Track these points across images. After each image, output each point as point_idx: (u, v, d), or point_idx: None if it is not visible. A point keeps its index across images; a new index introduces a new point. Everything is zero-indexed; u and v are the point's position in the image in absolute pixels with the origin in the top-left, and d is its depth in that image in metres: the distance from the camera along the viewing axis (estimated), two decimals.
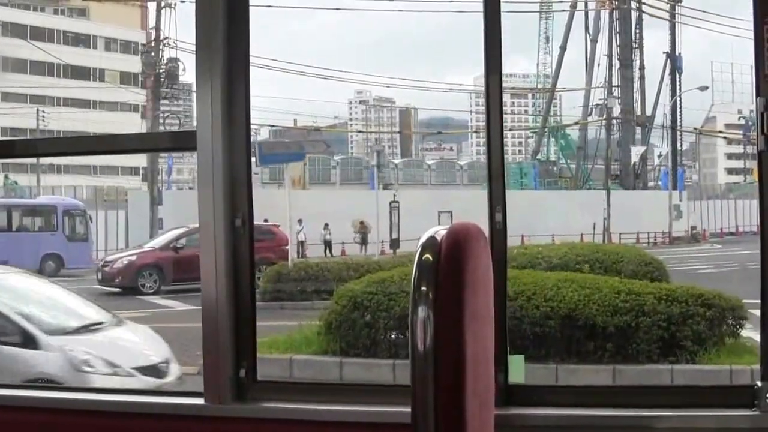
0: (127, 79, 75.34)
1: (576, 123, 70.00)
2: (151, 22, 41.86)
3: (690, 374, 11.28)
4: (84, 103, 72.57)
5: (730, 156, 66.87)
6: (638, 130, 65.71)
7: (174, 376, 10.16)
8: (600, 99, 68.88)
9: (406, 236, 44.51)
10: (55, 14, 79.57)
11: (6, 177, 55.29)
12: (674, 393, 3.33)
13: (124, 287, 27.45)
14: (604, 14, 68.46)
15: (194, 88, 3.29)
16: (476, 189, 60.92)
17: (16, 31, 77.57)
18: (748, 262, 18.66)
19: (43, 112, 67.51)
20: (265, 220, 32.34)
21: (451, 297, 1.96)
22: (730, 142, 65.29)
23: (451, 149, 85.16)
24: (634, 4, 64.87)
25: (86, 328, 10.33)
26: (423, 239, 2.03)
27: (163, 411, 3.46)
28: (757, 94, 2.70)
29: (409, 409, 1.97)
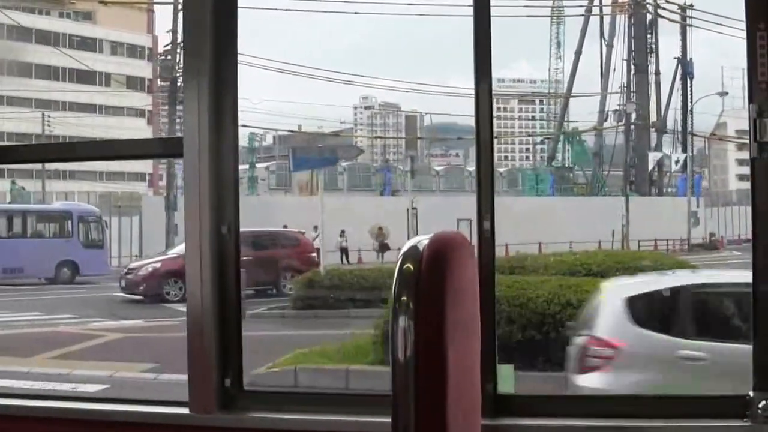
0: (133, 83, 75.47)
1: (594, 129, 69.85)
2: (167, 26, 41.47)
3: None
4: (89, 108, 72.71)
5: (741, 162, 66.78)
6: (652, 136, 65.68)
7: None
8: (617, 104, 68.81)
9: None
10: (61, 17, 79.74)
11: (13, 183, 55.36)
12: (667, 402, 3.30)
13: (148, 295, 27.24)
14: (620, 19, 68.44)
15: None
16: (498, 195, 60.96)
17: (22, 34, 77.75)
18: None
19: (49, 116, 67.67)
20: (284, 227, 32.29)
21: (432, 307, 1.94)
22: (740, 147, 65.21)
23: (457, 155, 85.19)
24: (650, 9, 64.86)
25: None
26: (404, 249, 2.02)
27: (148, 420, 3.45)
28: (750, 101, 2.67)
29: None
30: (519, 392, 3.43)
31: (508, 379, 3.33)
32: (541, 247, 44.20)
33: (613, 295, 10.21)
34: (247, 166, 61.90)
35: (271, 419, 3.36)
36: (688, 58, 65.34)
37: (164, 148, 3.63)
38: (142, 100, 75.41)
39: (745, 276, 3.14)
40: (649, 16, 64.93)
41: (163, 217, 41.77)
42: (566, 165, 68.59)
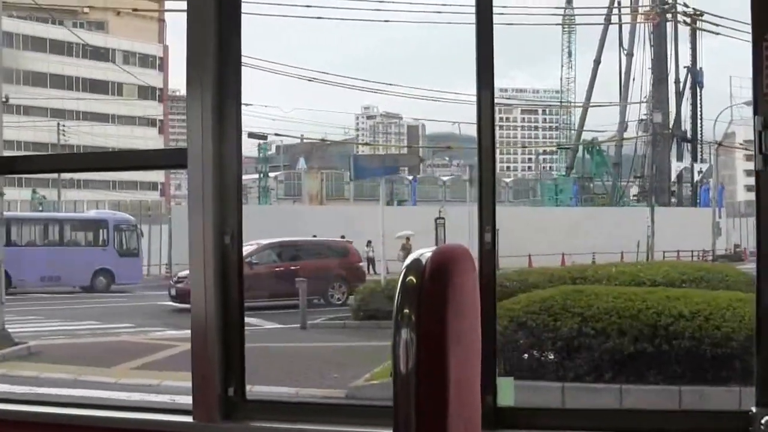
0: (144, 93, 75.69)
1: (622, 139, 69.73)
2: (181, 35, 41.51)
3: None
4: (102, 117, 73.00)
5: (750, 173, 66.52)
6: (673, 146, 65.52)
7: None
8: (638, 114, 68.62)
9: None
10: (74, 27, 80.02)
11: (34, 192, 55.47)
12: (670, 417, 3.29)
13: None
14: (640, 28, 68.29)
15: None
16: (504, 206, 61.02)
17: (36, 44, 78.03)
18: None
19: (63, 126, 67.90)
20: (342, 236, 32.08)
21: (435, 319, 1.96)
22: (749, 158, 64.84)
23: (458, 165, 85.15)
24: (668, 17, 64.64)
25: None
26: (407, 261, 2.03)
27: (152, 428, 3.46)
28: (755, 113, 2.67)
29: None
30: (519, 404, 3.43)
31: (507, 391, 3.32)
32: (564, 259, 44.38)
33: None
34: (256, 176, 62.20)
35: (273, 429, 3.38)
36: (698, 68, 65.35)
37: (168, 159, 3.65)
38: (153, 109, 75.71)
39: None
40: (668, 25, 64.88)
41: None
42: (585, 175, 68.49)
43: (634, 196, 67.77)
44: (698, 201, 66.26)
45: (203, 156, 3.24)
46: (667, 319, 11.73)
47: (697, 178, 68.72)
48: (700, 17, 62.75)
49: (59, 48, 79.12)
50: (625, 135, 70.74)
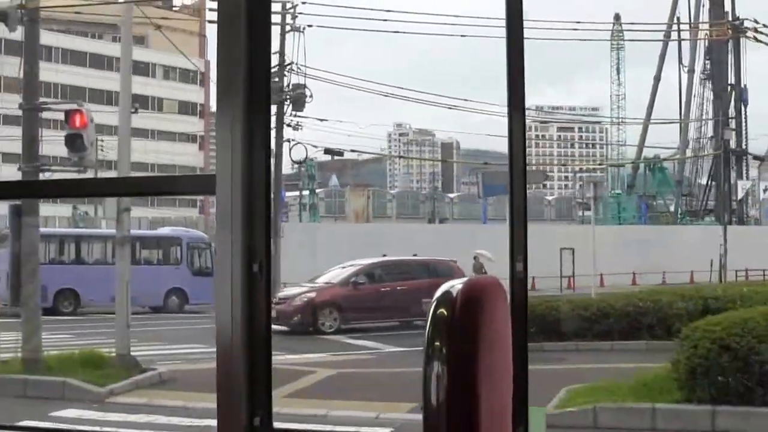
0: (184, 108, 76.07)
1: (686, 157, 69.30)
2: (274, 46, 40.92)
3: None
4: (142, 133, 73.39)
5: None
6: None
7: None
8: (697, 131, 68.07)
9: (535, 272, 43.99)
10: (114, 42, 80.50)
11: (74, 208, 55.68)
12: None
13: (302, 326, 26.96)
14: (700, 44, 67.80)
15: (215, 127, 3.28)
16: (564, 224, 60.89)
17: (76, 58, 78.69)
18: None
19: (101, 141, 68.29)
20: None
21: (466, 353, 1.99)
22: None
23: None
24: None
25: None
26: (438, 294, 2.06)
27: None
28: None
29: None
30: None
31: (539, 422, 3.32)
32: (635, 278, 44.33)
33: None
34: (295, 193, 62.30)
35: None
36: (743, 85, 64.96)
37: (197, 186, 3.66)
38: (193, 125, 76.08)
39: None
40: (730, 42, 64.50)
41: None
42: (647, 193, 68.25)
43: (707, 213, 67.46)
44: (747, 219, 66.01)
45: (232, 182, 3.26)
46: None
47: (764, 196, 68.32)
48: (743, 32, 62.47)
49: (99, 62, 79.77)
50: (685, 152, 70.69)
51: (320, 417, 13.93)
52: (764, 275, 41.30)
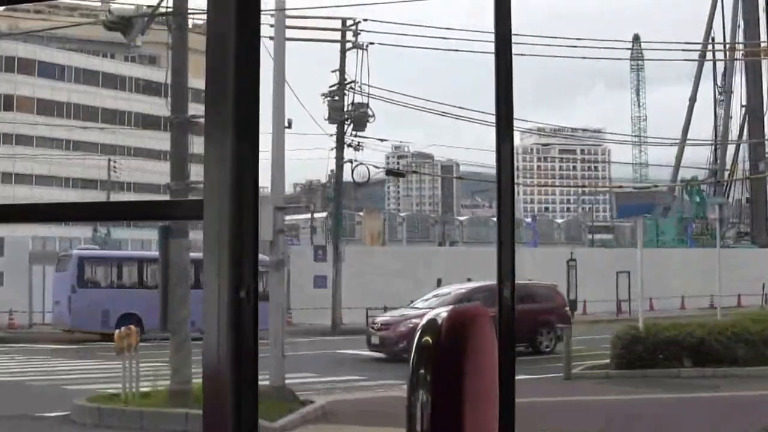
0: (198, 129, 76.45)
1: (729, 180, 69.24)
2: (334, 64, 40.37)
3: None
4: (155, 154, 73.63)
5: None
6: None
7: None
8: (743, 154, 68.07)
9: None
10: (126, 61, 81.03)
11: (95, 230, 55.77)
12: None
13: (405, 352, 26.45)
14: (736, 65, 67.85)
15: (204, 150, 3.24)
16: (580, 246, 61.05)
17: (88, 77, 79.18)
18: None
19: (114, 162, 68.56)
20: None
21: (451, 381, 1.98)
22: None
23: (490, 206, 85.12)
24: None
25: None
26: (423, 322, 2.05)
27: None
28: None
29: None
30: None
31: None
32: (684, 302, 44.39)
33: None
34: (305, 216, 62.34)
35: None
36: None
37: (185, 211, 3.62)
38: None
39: None
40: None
41: (310, 266, 41.31)
42: (684, 216, 68.37)
43: (742, 236, 67.41)
44: None
45: (220, 207, 3.23)
46: None
47: None
48: None
49: (112, 81, 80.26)
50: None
51: None
52: None
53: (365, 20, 39.01)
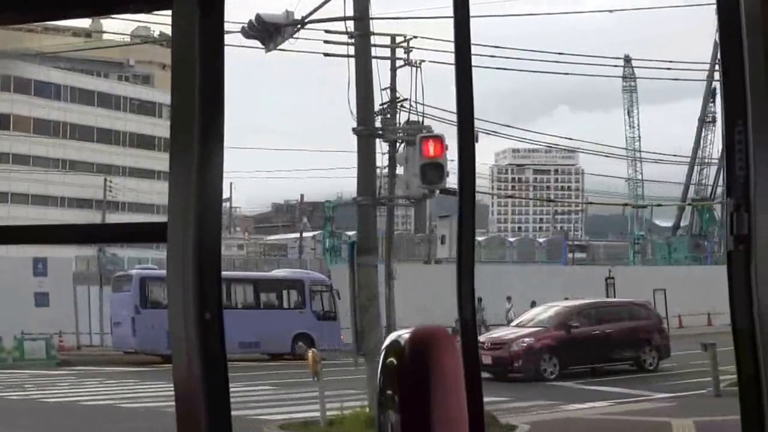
0: None
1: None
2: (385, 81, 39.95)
3: None
4: (149, 174, 73.26)
5: None
6: None
7: None
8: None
9: None
10: (120, 81, 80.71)
11: (100, 251, 55.34)
12: None
13: (522, 372, 26.61)
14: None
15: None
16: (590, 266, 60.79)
17: (84, 96, 79.01)
18: None
19: (110, 182, 68.29)
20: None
21: (418, 400, 2.03)
22: None
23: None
24: None
25: None
26: (386, 343, 2.13)
27: None
28: (728, 195, 2.68)
29: None
30: None
31: None
32: (710, 319, 44.15)
33: None
34: (294, 235, 61.90)
35: None
36: None
37: (149, 234, 3.65)
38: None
39: None
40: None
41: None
42: (693, 233, 68.15)
43: None
44: None
45: (183, 230, 3.25)
46: None
47: None
48: None
49: (107, 101, 79.99)
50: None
51: None
52: None
53: (415, 37, 38.58)
